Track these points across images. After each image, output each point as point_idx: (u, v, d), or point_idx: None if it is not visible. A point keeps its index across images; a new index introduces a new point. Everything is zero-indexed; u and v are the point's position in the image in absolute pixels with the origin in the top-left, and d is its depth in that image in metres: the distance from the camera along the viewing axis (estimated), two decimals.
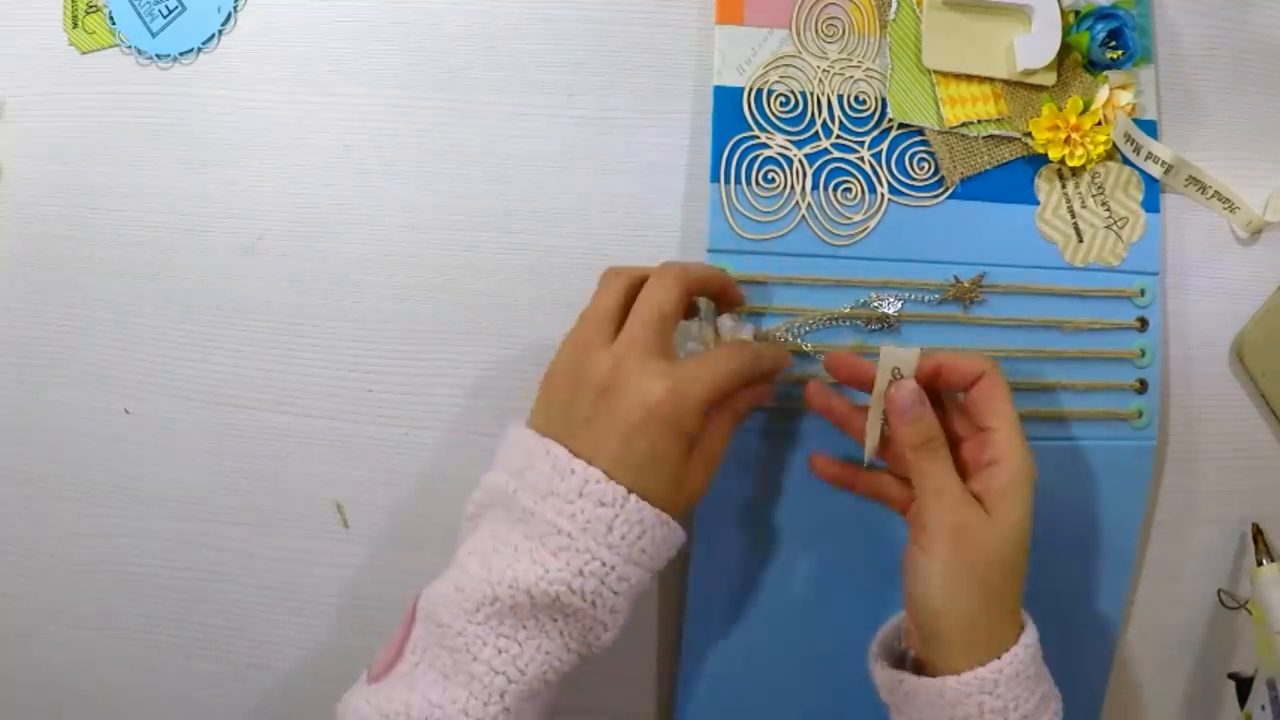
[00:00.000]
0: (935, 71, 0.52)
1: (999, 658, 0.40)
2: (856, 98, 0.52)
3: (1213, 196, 0.53)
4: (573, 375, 0.42)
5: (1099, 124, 0.52)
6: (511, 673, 0.38)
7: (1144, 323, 0.52)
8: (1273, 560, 0.52)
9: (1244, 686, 0.53)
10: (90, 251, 0.54)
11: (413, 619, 0.41)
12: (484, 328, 0.52)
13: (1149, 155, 0.52)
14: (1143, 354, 0.52)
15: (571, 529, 0.39)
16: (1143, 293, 0.52)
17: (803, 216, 0.51)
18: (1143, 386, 0.52)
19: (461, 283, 0.53)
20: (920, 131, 0.52)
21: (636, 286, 0.44)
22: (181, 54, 0.54)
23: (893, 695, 0.43)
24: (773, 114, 0.51)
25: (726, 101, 0.51)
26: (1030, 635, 0.42)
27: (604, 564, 0.39)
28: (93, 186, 0.54)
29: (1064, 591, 0.52)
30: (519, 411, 0.52)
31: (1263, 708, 0.51)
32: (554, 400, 0.42)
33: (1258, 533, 0.53)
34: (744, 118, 0.51)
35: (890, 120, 0.51)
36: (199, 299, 0.53)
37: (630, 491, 0.39)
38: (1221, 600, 0.55)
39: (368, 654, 0.54)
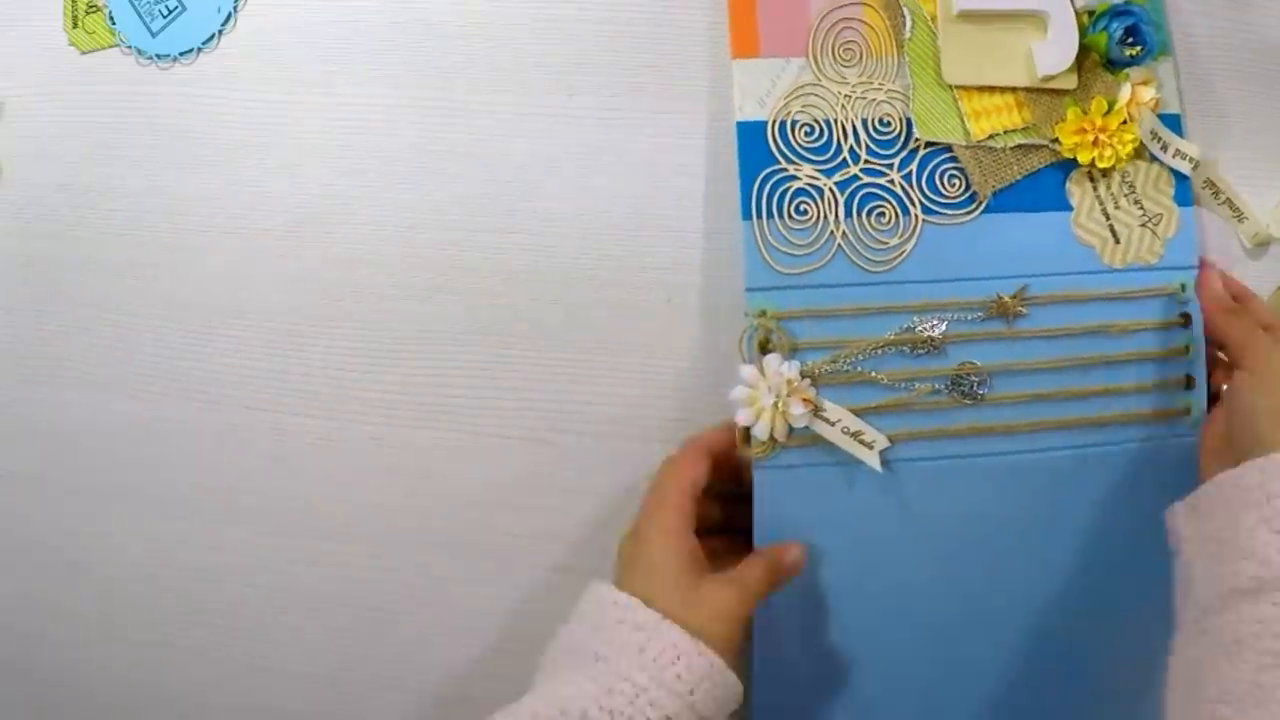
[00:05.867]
0: (956, 86, 0.51)
1: None
2: (881, 120, 0.51)
3: (1224, 203, 0.53)
4: (637, 556, 0.45)
5: (1124, 123, 0.51)
6: None
7: (1187, 318, 0.51)
8: None
9: None
10: (90, 251, 0.54)
11: None
12: (484, 328, 0.52)
13: (1176, 152, 0.51)
14: (1187, 350, 0.51)
15: (608, 653, 0.42)
16: (1183, 288, 0.51)
17: (839, 246, 0.50)
18: (1190, 382, 0.51)
19: (461, 283, 0.52)
20: (948, 148, 0.51)
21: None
22: (181, 54, 0.54)
23: (1194, 514, 0.44)
24: (798, 144, 0.50)
25: (751, 136, 0.50)
26: None
27: (634, 684, 0.41)
28: (92, 186, 0.54)
29: (1122, 596, 0.51)
30: (518, 412, 0.52)
31: None
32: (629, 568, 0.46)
33: None
34: (770, 151, 0.50)
35: (917, 140, 0.50)
36: (199, 299, 0.53)
37: (664, 618, 0.42)
38: None
39: (367, 654, 0.54)
